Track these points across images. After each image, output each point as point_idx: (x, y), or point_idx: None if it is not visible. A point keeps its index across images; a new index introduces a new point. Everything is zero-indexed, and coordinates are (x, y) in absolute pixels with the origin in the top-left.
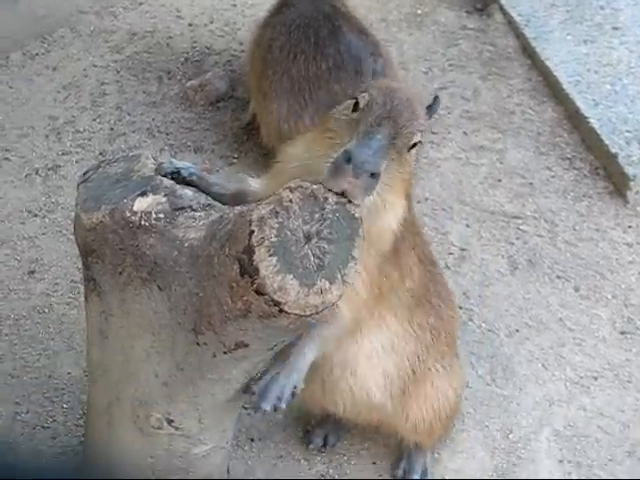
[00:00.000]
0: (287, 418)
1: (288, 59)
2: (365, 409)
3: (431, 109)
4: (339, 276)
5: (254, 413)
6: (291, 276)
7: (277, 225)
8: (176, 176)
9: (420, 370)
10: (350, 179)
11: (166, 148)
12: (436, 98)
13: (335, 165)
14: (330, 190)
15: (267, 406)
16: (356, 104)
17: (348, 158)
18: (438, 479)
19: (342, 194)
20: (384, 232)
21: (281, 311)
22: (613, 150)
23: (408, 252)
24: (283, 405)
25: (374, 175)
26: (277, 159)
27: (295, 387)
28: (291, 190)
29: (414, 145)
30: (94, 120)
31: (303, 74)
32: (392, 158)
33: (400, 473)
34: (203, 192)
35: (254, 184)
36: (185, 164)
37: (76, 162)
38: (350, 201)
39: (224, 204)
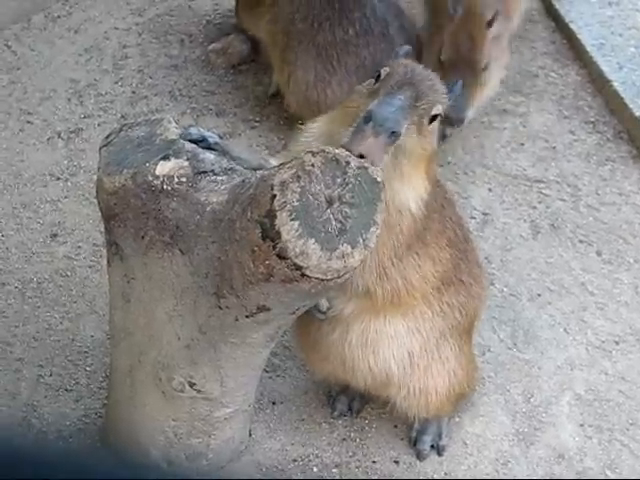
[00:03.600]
0: (309, 382)
1: (313, 28)
2: (383, 386)
3: (452, 91)
4: (361, 240)
5: None
6: (313, 240)
7: (299, 189)
8: (201, 144)
9: (443, 347)
10: (370, 139)
11: (188, 111)
12: (457, 82)
13: (356, 127)
14: (351, 153)
15: None
16: (377, 77)
17: (369, 119)
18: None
19: (362, 157)
20: (402, 212)
21: (303, 275)
22: (637, 114)
23: (437, 240)
24: None
25: (394, 134)
26: (298, 137)
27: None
28: (313, 154)
29: (434, 118)
30: (116, 83)
31: (330, 40)
32: (414, 122)
33: (413, 435)
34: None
35: (275, 162)
36: (211, 134)
37: (98, 125)
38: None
39: None
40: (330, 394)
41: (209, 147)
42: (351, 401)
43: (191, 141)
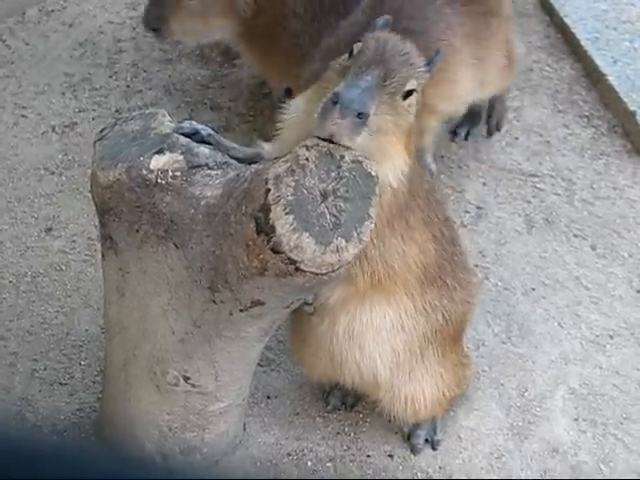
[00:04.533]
0: (303, 376)
1: (320, 25)
2: (371, 386)
3: (431, 62)
4: (355, 234)
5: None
6: (307, 234)
7: (293, 183)
8: (194, 138)
9: (427, 352)
10: (337, 120)
11: (182, 105)
12: (437, 51)
13: (322, 108)
14: (320, 138)
15: None
16: (351, 52)
17: (335, 100)
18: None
19: (331, 141)
20: (382, 187)
21: (297, 269)
22: (631, 108)
23: (421, 228)
24: None
25: (362, 115)
26: (283, 116)
27: None
28: (307, 148)
29: (410, 93)
30: (110, 77)
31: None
32: (383, 101)
33: (407, 431)
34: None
35: (267, 147)
36: (204, 127)
37: (92, 119)
38: (335, 143)
39: None
40: (324, 388)
41: (202, 140)
42: (345, 396)
43: (184, 135)
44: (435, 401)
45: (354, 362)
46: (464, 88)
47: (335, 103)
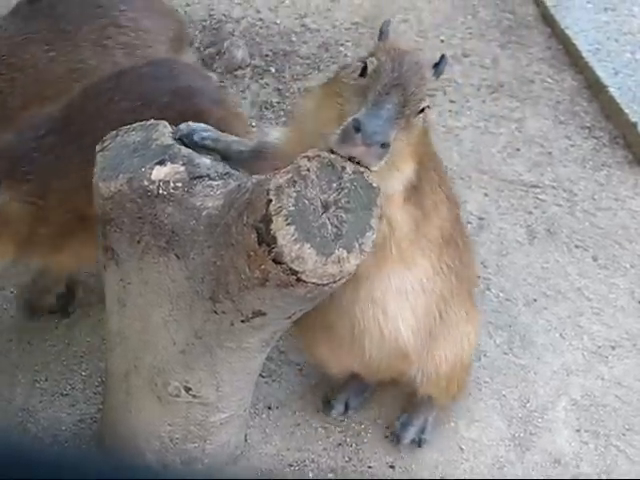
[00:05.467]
0: (305, 386)
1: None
2: (391, 355)
3: (438, 68)
4: (357, 245)
5: None
6: (309, 245)
7: (295, 194)
8: (192, 139)
9: (445, 313)
10: (360, 147)
11: None
12: (442, 57)
13: (345, 132)
14: (339, 155)
15: None
16: (364, 68)
17: (357, 127)
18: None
19: (351, 159)
20: (392, 195)
21: (299, 280)
22: (633, 119)
23: (435, 190)
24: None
25: (384, 145)
26: (296, 111)
27: None
28: (309, 159)
29: (422, 110)
30: None
31: None
32: (401, 127)
33: (397, 425)
34: (222, 153)
35: (275, 133)
36: (201, 125)
37: None
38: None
39: (244, 161)
40: (326, 398)
41: (203, 144)
42: (348, 399)
43: (182, 137)
44: (455, 369)
45: (377, 328)
46: None
47: (357, 130)
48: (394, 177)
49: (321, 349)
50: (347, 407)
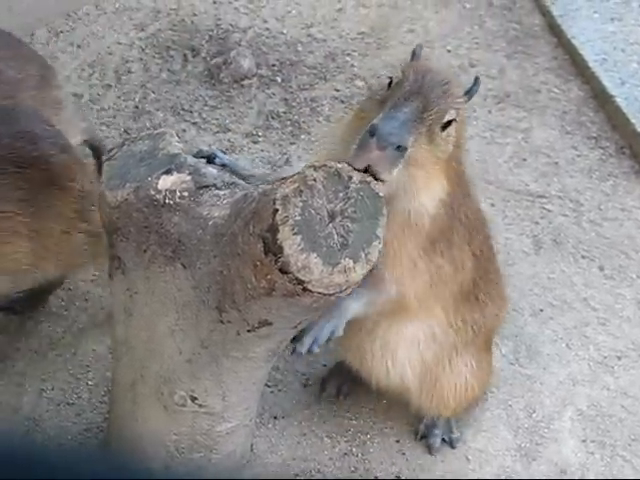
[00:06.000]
0: (311, 396)
1: None
2: (395, 390)
3: (470, 91)
4: (363, 255)
5: (292, 356)
6: (315, 255)
7: (301, 204)
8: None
9: (455, 363)
10: (374, 152)
11: (190, 126)
12: (476, 79)
13: (360, 140)
14: (355, 169)
15: (302, 348)
16: (390, 83)
17: (373, 132)
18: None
19: (367, 171)
20: (419, 213)
21: (305, 290)
22: (639, 129)
23: (462, 245)
24: (316, 348)
25: (400, 148)
26: (322, 143)
27: (333, 332)
28: (315, 169)
29: (448, 124)
30: (118, 98)
31: None
32: (421, 133)
33: (422, 428)
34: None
35: (300, 164)
36: (225, 156)
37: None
38: (376, 178)
39: None
40: (322, 377)
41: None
42: (340, 385)
43: (202, 157)
44: (458, 404)
45: (384, 369)
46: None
47: (372, 135)
48: (419, 193)
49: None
50: (339, 392)
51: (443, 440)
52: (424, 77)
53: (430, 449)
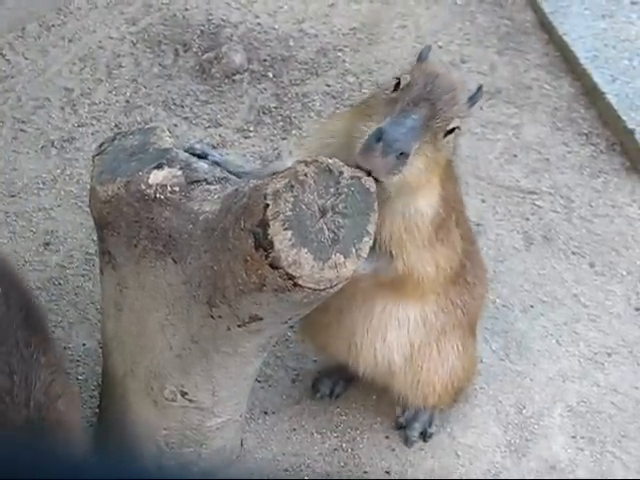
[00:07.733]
0: (301, 392)
1: None
2: (383, 375)
3: (473, 98)
4: (353, 250)
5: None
6: (306, 250)
7: (292, 199)
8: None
9: (442, 345)
10: (378, 157)
11: (182, 121)
12: (480, 88)
13: (366, 142)
14: (360, 168)
15: None
16: (397, 84)
17: (379, 136)
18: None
19: (370, 173)
20: (419, 217)
21: (295, 285)
22: (630, 126)
23: (454, 230)
24: None
25: (403, 155)
26: (314, 136)
27: None
28: (306, 164)
29: (451, 131)
30: (110, 92)
31: None
32: (426, 140)
33: (402, 420)
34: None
35: (292, 159)
36: (216, 151)
37: (92, 134)
38: (376, 180)
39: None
40: (316, 380)
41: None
42: (334, 385)
43: (193, 154)
44: (444, 390)
45: (372, 352)
46: None
47: (378, 139)
48: (419, 198)
49: (318, 336)
50: (332, 392)
51: (420, 434)
52: (433, 82)
53: (406, 441)
